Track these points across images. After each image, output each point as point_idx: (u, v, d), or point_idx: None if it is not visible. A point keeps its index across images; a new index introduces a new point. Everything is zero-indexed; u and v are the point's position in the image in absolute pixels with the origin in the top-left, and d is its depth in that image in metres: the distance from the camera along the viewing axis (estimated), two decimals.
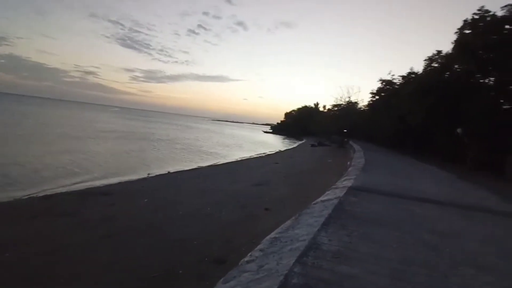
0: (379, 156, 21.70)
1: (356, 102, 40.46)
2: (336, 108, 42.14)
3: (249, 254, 3.74)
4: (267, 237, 4.33)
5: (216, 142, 36.43)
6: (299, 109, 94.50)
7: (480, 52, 19.00)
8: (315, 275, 2.74)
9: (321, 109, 72.63)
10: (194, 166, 16.33)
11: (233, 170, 14.97)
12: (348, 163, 17.13)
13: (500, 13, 18.88)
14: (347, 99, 38.61)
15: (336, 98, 39.50)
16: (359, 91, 50.04)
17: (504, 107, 19.91)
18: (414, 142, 30.28)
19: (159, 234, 5.72)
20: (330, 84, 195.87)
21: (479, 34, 19.10)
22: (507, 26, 18.64)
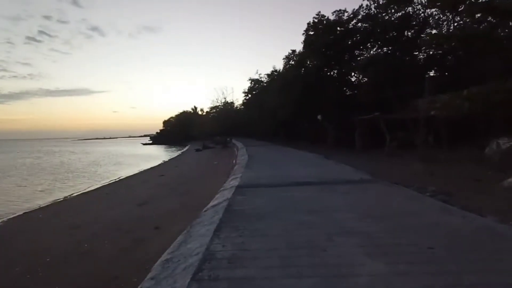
0: (259, 149, 23.38)
1: (232, 102, 42.73)
2: (214, 110, 43.36)
3: (139, 287, 3.34)
4: (158, 261, 3.98)
5: (87, 164, 31.66)
6: (177, 115, 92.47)
7: (323, 49, 22.87)
8: None
9: (200, 112, 73.19)
10: (60, 197, 13.72)
11: (112, 193, 13.32)
12: (234, 161, 17.80)
13: (332, 17, 23.24)
14: (223, 100, 40.30)
15: (213, 100, 40.72)
16: (233, 92, 53.00)
17: (347, 93, 24.80)
18: (286, 132, 34.17)
19: None
20: (206, 87, 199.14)
21: (319, 35, 22.99)
22: (338, 28, 23.10)
